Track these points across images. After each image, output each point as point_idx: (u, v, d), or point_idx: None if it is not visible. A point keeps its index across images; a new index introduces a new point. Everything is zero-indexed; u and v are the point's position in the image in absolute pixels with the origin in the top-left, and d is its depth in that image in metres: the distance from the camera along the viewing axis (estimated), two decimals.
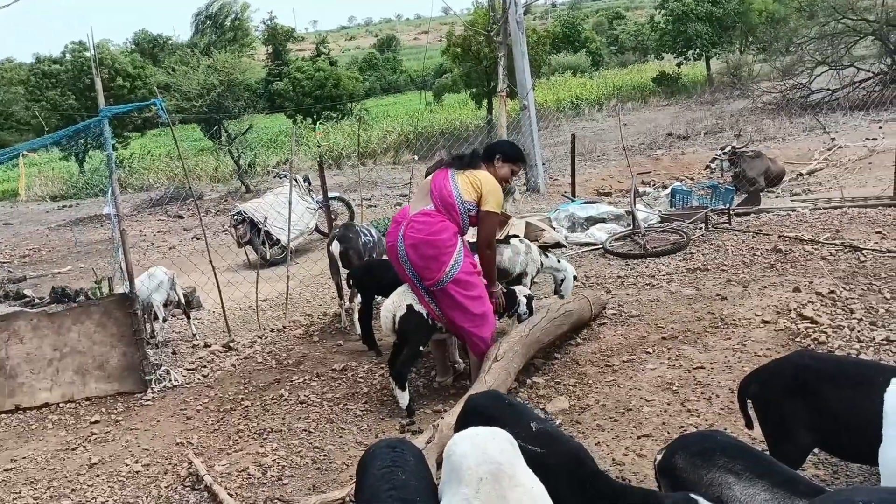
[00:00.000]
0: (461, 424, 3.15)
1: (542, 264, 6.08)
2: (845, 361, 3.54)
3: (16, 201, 23.14)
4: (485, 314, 4.82)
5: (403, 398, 4.84)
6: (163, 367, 6.09)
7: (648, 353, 5.24)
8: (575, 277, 6.22)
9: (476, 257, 4.94)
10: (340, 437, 4.71)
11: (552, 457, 2.85)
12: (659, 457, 2.82)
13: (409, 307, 4.82)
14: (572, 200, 10.49)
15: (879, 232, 7.26)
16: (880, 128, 15.95)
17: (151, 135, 34.94)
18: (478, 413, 3.15)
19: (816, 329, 5.14)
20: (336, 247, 6.68)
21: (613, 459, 3.97)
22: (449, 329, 4.94)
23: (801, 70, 21.82)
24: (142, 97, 30.63)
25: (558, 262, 6.19)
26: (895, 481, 2.61)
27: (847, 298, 5.62)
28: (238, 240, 10.62)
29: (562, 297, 6.01)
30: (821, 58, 21.25)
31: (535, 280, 6.26)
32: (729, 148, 11.82)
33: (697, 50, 32.37)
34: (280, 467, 4.40)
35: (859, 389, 2.85)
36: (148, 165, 25.32)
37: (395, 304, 4.89)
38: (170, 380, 5.97)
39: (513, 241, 6.08)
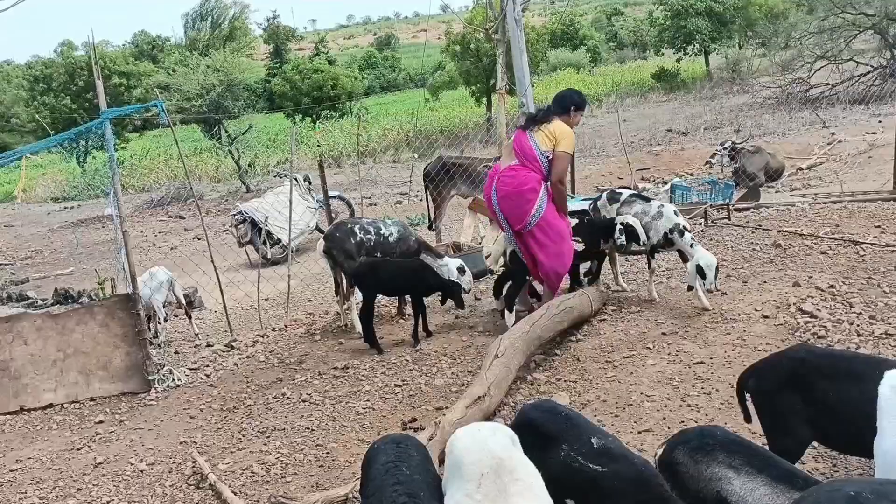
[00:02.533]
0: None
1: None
2: (841, 355, 3.56)
3: (12, 202, 23.18)
4: (563, 252, 5.75)
5: (510, 319, 5.81)
6: (166, 367, 6.12)
7: (649, 348, 5.27)
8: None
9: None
10: (343, 434, 4.74)
11: (614, 477, 2.61)
12: (659, 451, 2.84)
13: (513, 251, 5.94)
14: (572, 197, 10.50)
15: (879, 226, 7.28)
16: (880, 122, 15.97)
17: (151, 135, 34.99)
18: (533, 427, 2.95)
19: (816, 323, 5.16)
20: (320, 244, 6.68)
21: None
22: (531, 273, 5.92)
23: (801, 65, 21.85)
24: (138, 96, 30.68)
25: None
26: (890, 472, 2.64)
27: (846, 293, 5.64)
28: (239, 239, 10.65)
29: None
30: (820, 52, 21.28)
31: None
32: (729, 143, 11.85)
33: (697, 45, 32.39)
34: (283, 465, 4.43)
35: (854, 382, 2.87)
36: (148, 166, 25.36)
37: (505, 243, 6.08)
38: (173, 379, 6.00)
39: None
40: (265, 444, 4.71)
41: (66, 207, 21.31)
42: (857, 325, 5.06)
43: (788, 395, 3.05)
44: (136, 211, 17.91)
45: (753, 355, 4.86)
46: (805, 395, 3.01)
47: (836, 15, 21.34)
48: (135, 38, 47.01)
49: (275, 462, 4.46)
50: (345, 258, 6.55)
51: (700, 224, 8.25)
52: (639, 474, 2.60)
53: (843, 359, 3.20)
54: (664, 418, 4.31)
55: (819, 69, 21.22)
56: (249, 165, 21.49)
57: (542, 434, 2.86)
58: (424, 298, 6.15)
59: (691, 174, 13.08)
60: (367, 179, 17.58)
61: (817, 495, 2.13)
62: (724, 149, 11.73)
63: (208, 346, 6.85)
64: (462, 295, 6.18)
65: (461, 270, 6.39)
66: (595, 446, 2.72)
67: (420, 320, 6.11)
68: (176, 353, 6.81)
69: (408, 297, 6.58)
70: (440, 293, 6.16)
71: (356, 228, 6.67)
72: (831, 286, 5.77)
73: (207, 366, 6.32)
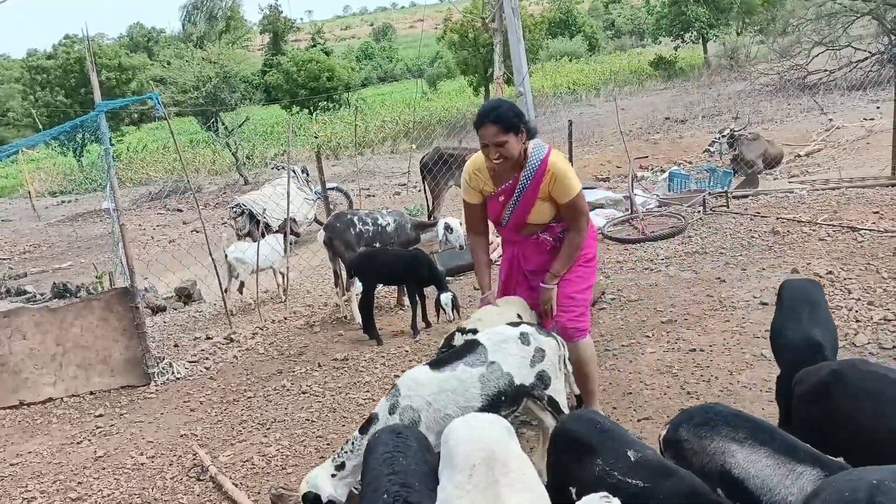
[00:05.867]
0: (552, 452, 2.92)
1: None
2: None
3: (9, 198, 23.14)
4: None
5: None
6: (165, 360, 6.13)
7: (648, 336, 5.27)
8: None
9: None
10: (343, 425, 4.74)
11: (658, 492, 2.42)
12: (664, 431, 2.83)
13: None
14: None
15: (877, 212, 7.27)
16: (878, 108, 15.93)
17: (148, 128, 34.92)
18: (570, 439, 2.81)
19: None
20: (321, 235, 6.76)
21: None
22: None
23: (799, 51, 21.74)
24: (133, 89, 30.60)
25: None
26: None
27: (845, 279, 5.64)
28: (237, 232, 10.63)
29: None
30: (818, 38, 21.18)
31: None
32: (728, 131, 11.82)
33: (694, 33, 32.28)
34: (284, 457, 4.43)
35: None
36: (145, 159, 25.31)
37: None
38: (172, 372, 6.00)
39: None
40: (265, 436, 4.72)
41: (63, 202, 21.27)
42: (856, 311, 5.06)
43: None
44: (133, 204, 17.87)
45: (752, 343, 4.88)
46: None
47: (833, 1, 21.24)
48: (130, 30, 46.86)
49: (275, 454, 4.47)
50: (345, 248, 6.60)
51: (699, 212, 8.24)
52: (689, 490, 2.40)
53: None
54: (664, 406, 4.31)
55: (817, 55, 21.13)
56: (247, 157, 21.45)
57: (581, 446, 2.73)
58: (424, 289, 6.16)
59: (690, 162, 13.04)
60: (365, 171, 17.54)
61: (838, 484, 2.11)
62: (723, 136, 11.70)
63: (207, 338, 6.85)
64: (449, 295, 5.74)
65: (448, 228, 6.68)
66: (633, 459, 2.57)
67: (419, 310, 6.11)
68: (175, 346, 6.81)
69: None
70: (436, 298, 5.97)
71: (355, 219, 6.75)
72: (830, 272, 5.77)
73: (207, 358, 6.33)
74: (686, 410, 2.96)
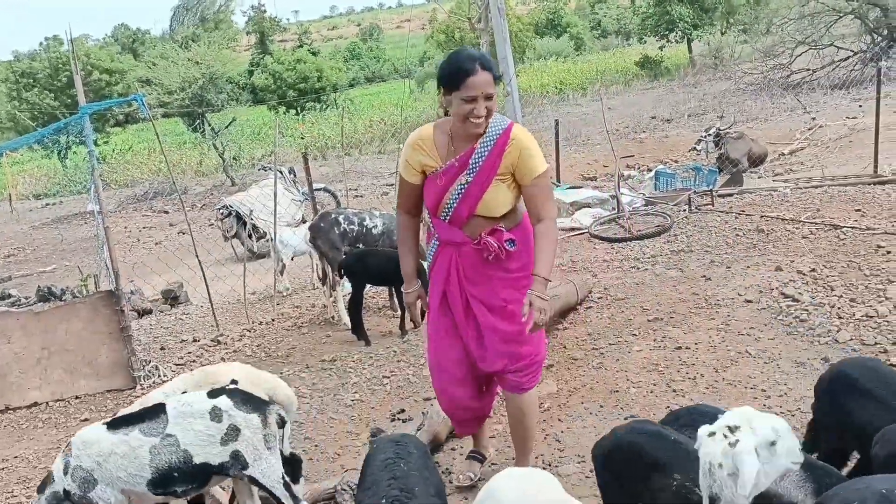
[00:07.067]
0: (608, 460, 2.71)
1: None
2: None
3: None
4: None
5: None
6: (151, 363, 6.10)
7: (634, 335, 5.30)
8: None
9: None
10: (332, 427, 4.74)
11: None
12: None
13: None
14: (557, 186, 10.53)
15: (859, 210, 7.34)
16: (860, 106, 16.08)
17: (133, 130, 34.71)
18: (633, 452, 2.59)
19: (798, 307, 5.21)
20: (306, 235, 6.78)
21: None
22: None
23: (782, 51, 21.92)
24: (120, 91, 30.43)
25: None
26: None
27: (828, 276, 5.70)
28: (224, 233, 10.60)
29: None
30: (801, 38, 21.35)
31: None
32: (713, 130, 11.91)
33: (679, 33, 32.45)
34: None
35: None
36: (131, 161, 25.17)
37: None
38: (159, 375, 5.97)
39: None
40: None
41: (47, 204, 21.12)
42: (839, 308, 5.12)
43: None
44: (119, 207, 17.76)
45: (737, 340, 4.93)
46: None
47: (816, 0, 21.44)
48: (115, 31, 46.61)
49: None
50: (329, 248, 6.59)
51: (684, 211, 8.29)
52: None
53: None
54: (650, 404, 4.34)
55: (800, 55, 21.29)
56: (234, 159, 21.36)
57: (646, 461, 2.50)
58: None
59: (675, 161, 13.12)
60: (353, 171, 17.51)
61: (846, 493, 2.07)
62: (709, 135, 11.79)
63: (194, 341, 6.83)
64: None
65: None
66: None
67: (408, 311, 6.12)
68: (162, 349, 6.78)
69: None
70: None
71: (340, 218, 6.73)
72: (813, 270, 5.82)
73: (194, 361, 6.31)
74: (672, 412, 2.99)
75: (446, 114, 3.26)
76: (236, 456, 3.07)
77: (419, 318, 3.58)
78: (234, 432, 3.06)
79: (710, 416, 2.69)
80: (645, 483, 2.51)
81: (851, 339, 4.65)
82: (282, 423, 3.22)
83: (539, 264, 3.17)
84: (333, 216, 6.81)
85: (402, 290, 3.48)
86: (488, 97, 3.05)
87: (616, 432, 2.75)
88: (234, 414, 3.07)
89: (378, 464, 2.69)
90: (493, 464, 3.88)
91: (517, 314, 3.18)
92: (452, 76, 3.07)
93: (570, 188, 10.22)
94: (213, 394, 3.16)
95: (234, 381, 3.46)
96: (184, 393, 3.45)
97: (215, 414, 3.06)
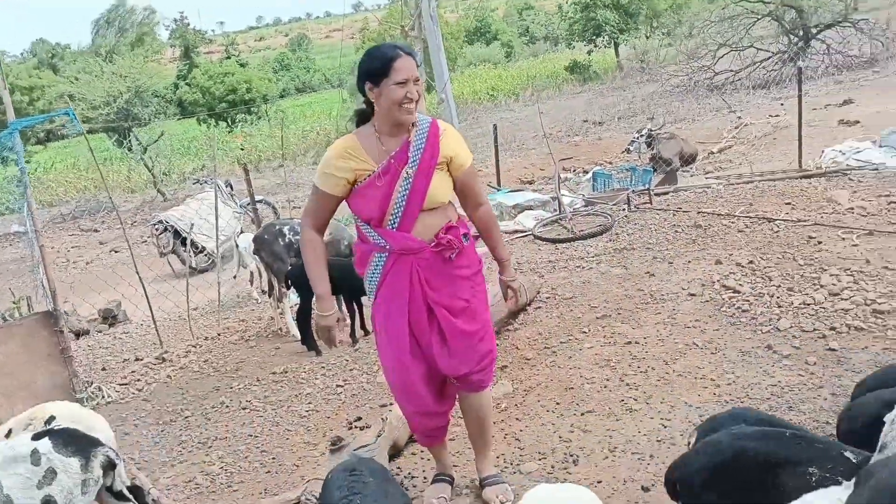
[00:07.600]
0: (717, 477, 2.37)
1: None
2: None
3: None
4: None
5: None
6: (94, 384, 5.90)
7: (584, 332, 5.38)
8: None
9: None
10: (287, 438, 4.67)
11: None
12: (692, 440, 2.74)
13: None
14: (498, 190, 10.64)
15: (789, 202, 7.64)
16: (782, 104, 16.77)
17: (55, 147, 33.53)
18: (745, 460, 2.30)
19: (739, 298, 5.39)
20: (250, 247, 6.70)
21: (560, 437, 4.08)
22: None
23: (705, 53, 22.65)
24: (42, 108, 29.36)
25: None
26: None
27: (765, 267, 5.90)
28: (161, 249, 10.34)
29: None
30: (722, 40, 22.12)
31: None
32: (645, 131, 12.22)
33: (606, 37, 33.20)
34: (228, 474, 4.34)
35: None
36: (55, 179, 24.29)
37: None
38: (103, 396, 5.79)
39: None
40: (207, 455, 4.60)
41: None
42: (777, 297, 5.31)
43: None
44: (44, 227, 17.10)
45: (684, 332, 5.05)
46: None
47: (735, 3, 22.27)
48: (33, 46, 44.92)
49: (219, 472, 4.36)
50: (273, 260, 6.50)
51: (624, 210, 8.48)
52: None
53: None
54: (605, 398, 4.42)
55: (722, 56, 22.05)
56: (164, 174, 20.85)
57: (763, 464, 2.22)
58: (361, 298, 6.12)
59: (610, 162, 13.41)
60: (290, 182, 17.32)
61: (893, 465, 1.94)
62: (641, 136, 12.09)
63: (137, 359, 6.64)
64: None
65: None
66: (855, 461, 2.10)
67: (357, 319, 6.08)
68: (103, 369, 6.57)
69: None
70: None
71: (285, 230, 6.64)
72: (751, 262, 6.02)
73: (139, 380, 6.13)
74: (712, 417, 2.92)
75: (364, 120, 3.24)
76: (48, 501, 2.95)
77: (336, 341, 3.38)
78: (50, 475, 2.95)
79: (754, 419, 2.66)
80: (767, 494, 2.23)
81: (792, 327, 4.83)
82: (111, 465, 3.11)
83: (500, 248, 3.34)
84: (277, 227, 6.72)
85: (319, 312, 3.28)
86: (416, 80, 3.06)
87: (720, 442, 2.40)
88: (53, 457, 2.97)
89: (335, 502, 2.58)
90: (454, 465, 3.88)
91: (478, 311, 3.24)
92: (380, 65, 3.06)
93: (511, 192, 10.33)
94: (37, 436, 3.05)
95: (51, 419, 3.38)
96: (8, 433, 3.35)
97: (35, 457, 2.96)
